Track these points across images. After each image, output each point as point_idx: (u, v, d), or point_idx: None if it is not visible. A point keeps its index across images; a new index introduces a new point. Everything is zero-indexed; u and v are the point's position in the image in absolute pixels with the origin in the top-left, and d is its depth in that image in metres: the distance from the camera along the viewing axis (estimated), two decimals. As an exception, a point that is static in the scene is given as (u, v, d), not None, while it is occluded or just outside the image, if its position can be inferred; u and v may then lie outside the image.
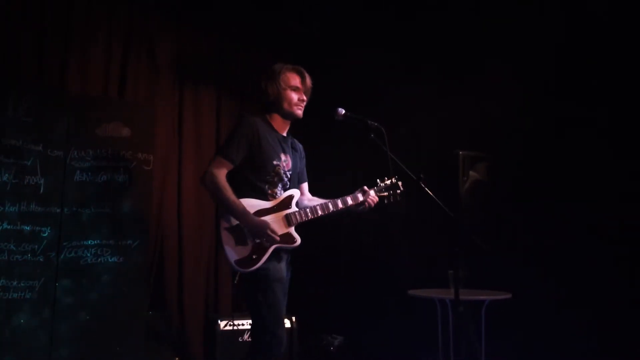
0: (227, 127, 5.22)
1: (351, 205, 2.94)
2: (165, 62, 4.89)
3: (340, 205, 2.93)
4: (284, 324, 2.76)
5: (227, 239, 2.73)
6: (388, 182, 3.01)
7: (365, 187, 2.97)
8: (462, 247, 3.28)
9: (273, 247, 2.75)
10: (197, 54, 5.10)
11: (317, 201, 3.05)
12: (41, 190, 3.74)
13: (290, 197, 2.89)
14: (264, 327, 2.73)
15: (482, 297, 3.76)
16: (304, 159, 3.14)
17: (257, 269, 2.71)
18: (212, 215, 5.04)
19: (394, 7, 5.00)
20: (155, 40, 4.83)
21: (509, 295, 3.80)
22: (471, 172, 4.27)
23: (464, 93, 4.59)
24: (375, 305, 4.85)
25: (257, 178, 2.83)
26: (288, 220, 2.83)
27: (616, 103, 3.91)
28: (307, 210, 2.87)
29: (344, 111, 2.96)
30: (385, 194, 3.00)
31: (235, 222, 2.73)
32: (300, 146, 3.12)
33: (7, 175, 3.62)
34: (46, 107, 3.82)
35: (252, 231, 2.72)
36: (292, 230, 2.85)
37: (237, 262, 2.69)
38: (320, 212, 2.89)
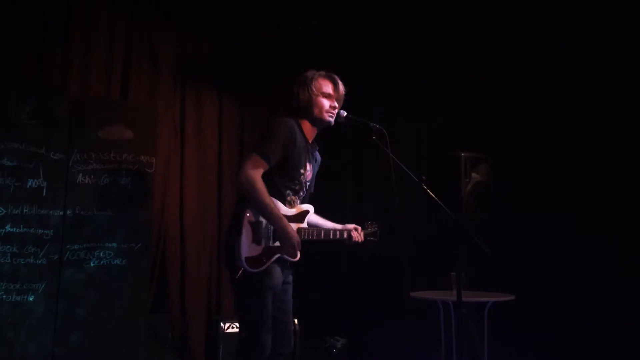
0: (229, 128, 5.25)
1: (346, 239, 3.04)
2: (167, 63, 4.90)
3: (337, 236, 3.02)
4: (270, 329, 2.72)
5: (246, 233, 2.68)
6: (371, 229, 3.17)
7: (359, 227, 3.09)
8: (464, 249, 3.29)
9: (277, 255, 2.74)
10: (199, 56, 5.11)
11: (319, 221, 3.07)
12: (44, 193, 3.75)
13: (306, 212, 2.91)
14: (247, 332, 2.74)
15: (484, 299, 3.76)
16: (317, 169, 3.12)
17: (256, 273, 2.70)
18: (214, 217, 5.05)
19: (395, 8, 5.00)
20: (156, 41, 4.84)
21: (511, 297, 3.79)
22: (473, 174, 4.26)
23: (465, 94, 4.60)
24: (377, 307, 4.84)
25: (283, 183, 2.81)
26: (298, 234, 2.81)
27: (618, 106, 3.90)
28: (314, 231, 2.91)
29: (345, 113, 2.95)
30: (369, 238, 3.15)
31: (260, 219, 2.71)
32: (319, 157, 3.12)
33: (9, 178, 3.64)
34: (48, 110, 3.83)
35: (281, 236, 2.70)
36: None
37: (247, 259, 2.66)
38: (322, 237, 2.94)
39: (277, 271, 2.75)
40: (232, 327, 4.41)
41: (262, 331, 2.68)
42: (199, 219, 4.95)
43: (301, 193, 2.90)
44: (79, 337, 3.79)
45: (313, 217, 3.05)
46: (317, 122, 2.93)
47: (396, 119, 4.10)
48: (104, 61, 4.53)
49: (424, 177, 2.89)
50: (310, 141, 2.96)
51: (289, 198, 2.83)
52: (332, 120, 2.93)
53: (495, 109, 4.41)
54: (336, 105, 2.92)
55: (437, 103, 4.75)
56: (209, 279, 4.96)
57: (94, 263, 3.91)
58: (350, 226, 3.05)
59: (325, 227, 3.02)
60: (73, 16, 4.38)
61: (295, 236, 2.71)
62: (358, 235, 3.04)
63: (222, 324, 4.40)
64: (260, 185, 2.66)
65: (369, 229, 3.14)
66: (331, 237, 2.98)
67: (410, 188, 2.93)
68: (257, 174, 2.67)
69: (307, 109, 2.90)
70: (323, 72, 2.95)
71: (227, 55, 5.30)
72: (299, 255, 2.83)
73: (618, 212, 3.82)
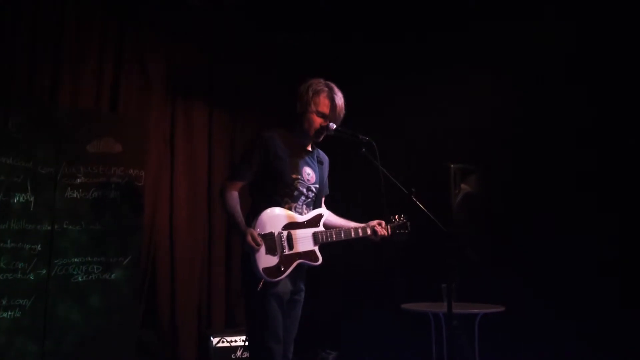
0: (220, 142, 5.24)
1: (369, 235, 3.05)
2: (157, 77, 4.90)
3: (360, 234, 3.03)
4: (279, 338, 2.72)
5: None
6: (400, 221, 3.14)
7: (383, 221, 3.07)
8: (454, 260, 3.29)
9: (297, 261, 2.77)
10: (189, 68, 5.12)
11: (338, 222, 3.08)
12: (31, 208, 3.73)
13: (320, 216, 2.93)
14: (256, 339, 2.73)
15: (475, 311, 3.75)
16: (327, 171, 3.14)
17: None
18: (205, 230, 5.03)
19: (385, 21, 5.05)
20: (146, 55, 4.85)
21: (502, 308, 3.79)
22: (462, 185, 4.27)
23: (454, 105, 4.62)
24: (369, 319, 4.82)
25: (275, 191, 2.84)
26: (315, 238, 2.86)
27: (608, 113, 3.93)
28: (333, 232, 2.93)
29: (334, 126, 2.95)
30: (397, 231, 3.12)
31: (267, 229, 2.74)
32: (326, 159, 3.14)
33: (-4, 192, 3.62)
34: (37, 124, 3.83)
35: (241, 237, 2.73)
36: (317, 248, 2.88)
37: (265, 270, 2.69)
38: (343, 237, 2.96)
39: (284, 280, 2.76)
40: (223, 342, 4.38)
41: (270, 340, 2.69)
42: (189, 232, 4.92)
43: (302, 198, 2.89)
44: (67, 352, 3.75)
45: (333, 219, 3.08)
46: (305, 135, 2.96)
47: (386, 130, 4.11)
48: (94, 74, 4.53)
49: (413, 189, 2.91)
50: (308, 147, 2.99)
51: (286, 206, 2.84)
52: (318, 139, 2.97)
53: (485, 119, 4.43)
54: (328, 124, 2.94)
55: (427, 115, 4.77)
56: (200, 293, 4.93)
57: (82, 278, 3.89)
58: (374, 222, 3.05)
59: (346, 227, 3.03)
60: (64, 29, 4.39)
61: (247, 233, 2.68)
62: (383, 229, 3.04)
63: (212, 338, 4.38)
64: (226, 198, 2.81)
65: (397, 222, 3.14)
66: (353, 235, 3.00)
67: (399, 200, 2.94)
68: (227, 191, 2.83)
69: (299, 119, 2.93)
70: (326, 89, 2.94)
71: (218, 68, 5.31)
72: (320, 260, 2.86)
73: (610, 222, 3.83)
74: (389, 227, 3.07)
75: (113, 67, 4.66)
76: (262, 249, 2.69)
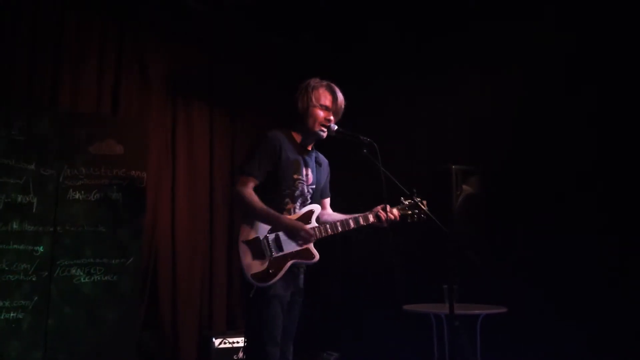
0: (220, 142, 5.25)
1: (372, 222, 2.93)
2: (157, 77, 4.90)
3: (361, 222, 2.91)
4: (276, 341, 2.70)
5: (244, 253, 2.72)
6: (411, 201, 2.97)
7: (388, 205, 2.92)
8: (456, 261, 3.29)
9: (290, 262, 2.75)
10: (189, 71, 5.12)
11: (337, 216, 3.04)
12: (34, 209, 3.74)
13: (311, 212, 2.88)
14: (253, 341, 2.72)
15: (477, 312, 3.75)
16: (328, 174, 3.12)
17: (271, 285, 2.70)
18: (206, 231, 5.03)
19: (385, 21, 5.05)
20: (146, 56, 4.85)
21: (504, 309, 3.79)
22: (464, 186, 4.27)
23: (455, 106, 4.62)
24: (370, 320, 4.83)
25: (276, 192, 2.82)
26: None
27: (608, 113, 3.93)
28: (327, 226, 2.85)
29: (336, 127, 2.95)
30: (409, 212, 2.98)
31: (252, 235, 2.73)
32: (325, 161, 3.11)
33: (-1, 194, 3.62)
34: (39, 126, 3.83)
35: (287, 231, 2.73)
36: (311, 246, 2.83)
37: (254, 276, 2.68)
38: (340, 229, 2.87)
39: (283, 281, 2.74)
40: (225, 343, 4.38)
41: (269, 343, 2.66)
42: (191, 233, 4.93)
43: (301, 198, 2.88)
44: (69, 354, 3.76)
45: (335, 216, 3.04)
46: (309, 133, 2.94)
47: (387, 131, 4.12)
48: (94, 77, 4.54)
49: (415, 190, 2.90)
50: (308, 148, 2.98)
51: (288, 207, 2.83)
52: (323, 134, 2.93)
53: (485, 120, 4.43)
54: (331, 118, 2.93)
55: (428, 116, 4.77)
56: (201, 294, 4.93)
57: (84, 279, 3.89)
58: (377, 207, 2.91)
59: (344, 218, 2.93)
60: (64, 29, 4.40)
61: (298, 224, 2.72)
62: (387, 213, 2.87)
63: (213, 340, 4.38)
64: (249, 196, 2.74)
65: (407, 202, 2.96)
66: (352, 225, 2.88)
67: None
68: (245, 189, 2.76)
69: (302, 117, 2.92)
70: (325, 83, 2.95)
71: (218, 68, 5.31)
72: (316, 257, 2.81)
73: (611, 221, 3.83)
74: (395, 210, 2.92)
75: (113, 67, 4.66)
76: (249, 256, 2.69)
